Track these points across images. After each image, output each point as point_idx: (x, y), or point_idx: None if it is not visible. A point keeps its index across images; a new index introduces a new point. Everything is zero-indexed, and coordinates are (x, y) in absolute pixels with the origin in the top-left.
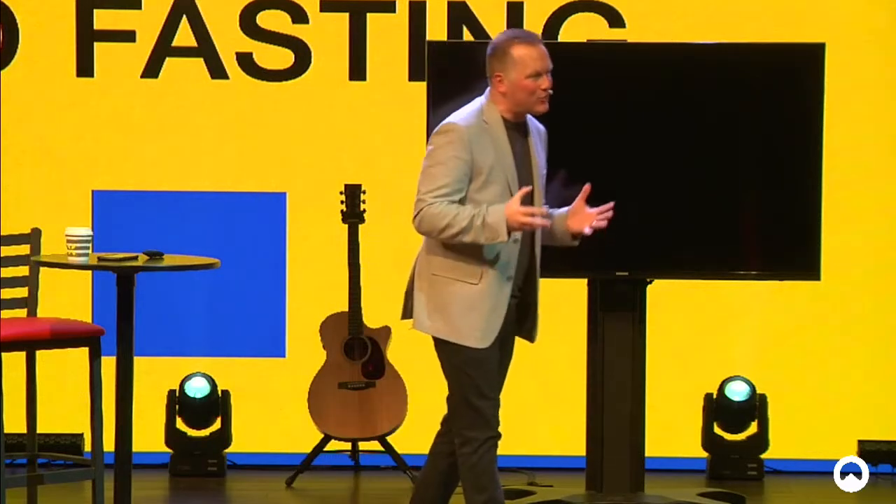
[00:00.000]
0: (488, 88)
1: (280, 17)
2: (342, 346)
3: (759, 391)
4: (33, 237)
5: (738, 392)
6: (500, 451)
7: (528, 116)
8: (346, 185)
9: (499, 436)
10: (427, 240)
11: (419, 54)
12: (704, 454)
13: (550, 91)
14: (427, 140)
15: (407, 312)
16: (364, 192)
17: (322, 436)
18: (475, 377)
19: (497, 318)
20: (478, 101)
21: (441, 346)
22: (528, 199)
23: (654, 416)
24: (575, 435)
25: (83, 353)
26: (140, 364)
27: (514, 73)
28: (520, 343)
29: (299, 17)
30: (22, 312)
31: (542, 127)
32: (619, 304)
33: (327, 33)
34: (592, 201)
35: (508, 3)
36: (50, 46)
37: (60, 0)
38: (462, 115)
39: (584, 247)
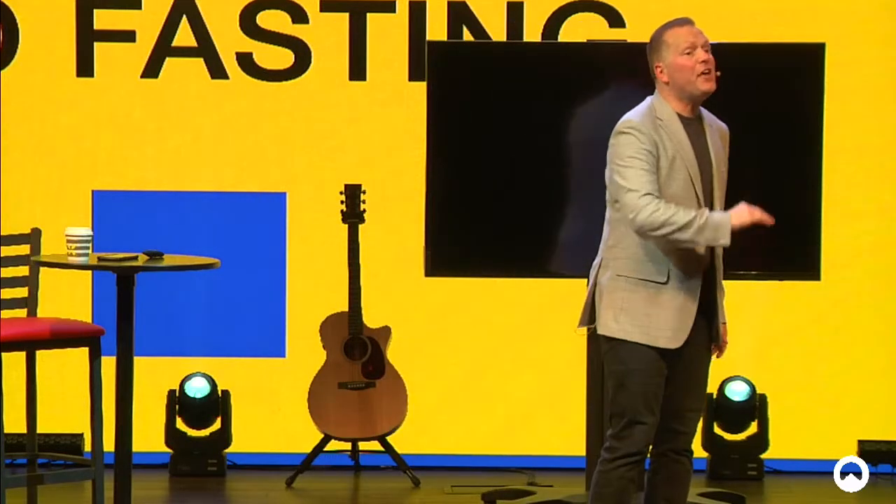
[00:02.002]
0: (656, 90)
1: (280, 17)
2: (342, 346)
3: (759, 391)
4: (33, 237)
5: (738, 392)
6: (500, 451)
7: (708, 115)
8: (346, 185)
9: (642, 454)
10: (609, 243)
11: (419, 54)
12: (704, 454)
13: (710, 66)
14: (425, 142)
15: (585, 320)
16: (364, 192)
17: (322, 436)
18: (639, 391)
19: (687, 317)
20: (647, 100)
21: (616, 349)
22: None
23: None
24: (575, 435)
25: (83, 353)
26: (140, 364)
27: (670, 56)
28: (519, 342)
29: (299, 17)
30: (22, 312)
31: (724, 126)
32: None
33: (327, 33)
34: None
35: (508, 3)
36: (50, 46)
37: (60, 0)
38: (635, 113)
39: (585, 246)
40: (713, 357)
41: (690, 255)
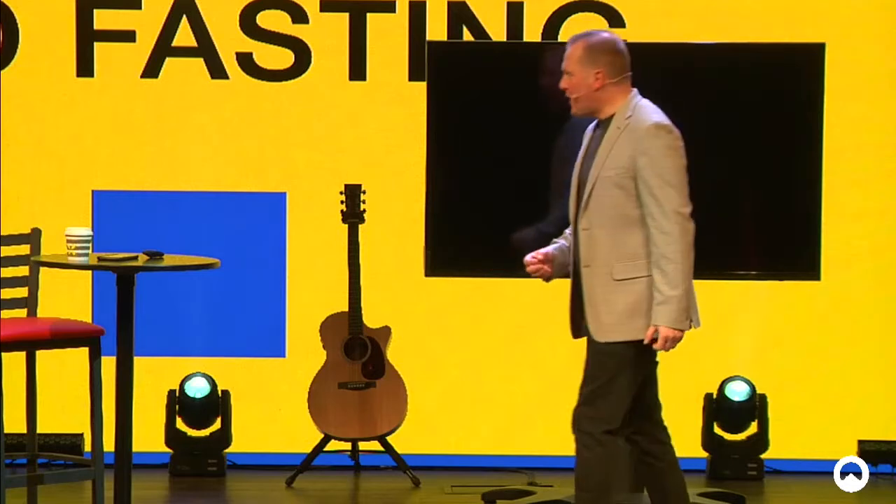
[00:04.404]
0: None
1: (280, 17)
2: (342, 346)
3: (759, 391)
4: (33, 237)
5: (738, 392)
6: (500, 451)
7: (636, 116)
8: (346, 185)
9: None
10: None
11: (419, 54)
12: (704, 454)
13: (565, 91)
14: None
15: None
16: (364, 192)
17: (322, 436)
18: None
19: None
20: None
21: None
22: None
23: None
24: None
25: (83, 353)
26: (140, 364)
27: None
28: (519, 342)
29: (299, 17)
30: (22, 312)
31: (643, 125)
32: None
33: (327, 33)
34: None
35: (508, 3)
36: (50, 46)
37: (60, 0)
38: None
39: None
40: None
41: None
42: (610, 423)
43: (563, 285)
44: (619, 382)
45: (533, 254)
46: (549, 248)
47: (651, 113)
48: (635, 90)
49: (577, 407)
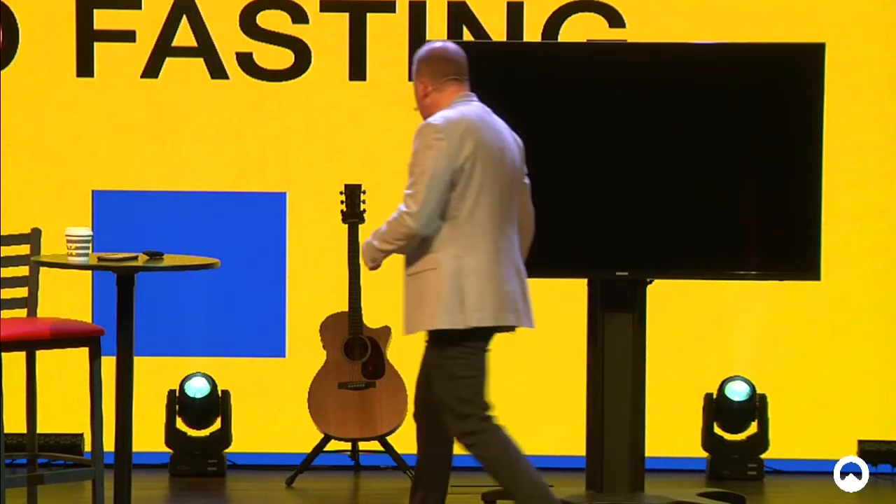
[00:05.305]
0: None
1: (280, 17)
2: (342, 346)
3: (759, 391)
4: (33, 237)
5: (738, 392)
6: None
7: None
8: (346, 185)
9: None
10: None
11: None
12: (704, 454)
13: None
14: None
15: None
16: (364, 192)
17: (322, 436)
18: None
19: None
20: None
21: None
22: None
23: (654, 416)
24: (575, 435)
25: (83, 353)
26: (140, 364)
27: None
28: (519, 342)
29: (299, 17)
30: (22, 312)
31: None
32: (619, 304)
33: (327, 33)
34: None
35: (508, 3)
36: (50, 46)
37: (60, 0)
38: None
39: (585, 247)
40: None
41: None
42: (475, 409)
43: (567, 286)
44: (454, 374)
45: None
46: None
47: (438, 113)
48: (463, 94)
49: (417, 407)
